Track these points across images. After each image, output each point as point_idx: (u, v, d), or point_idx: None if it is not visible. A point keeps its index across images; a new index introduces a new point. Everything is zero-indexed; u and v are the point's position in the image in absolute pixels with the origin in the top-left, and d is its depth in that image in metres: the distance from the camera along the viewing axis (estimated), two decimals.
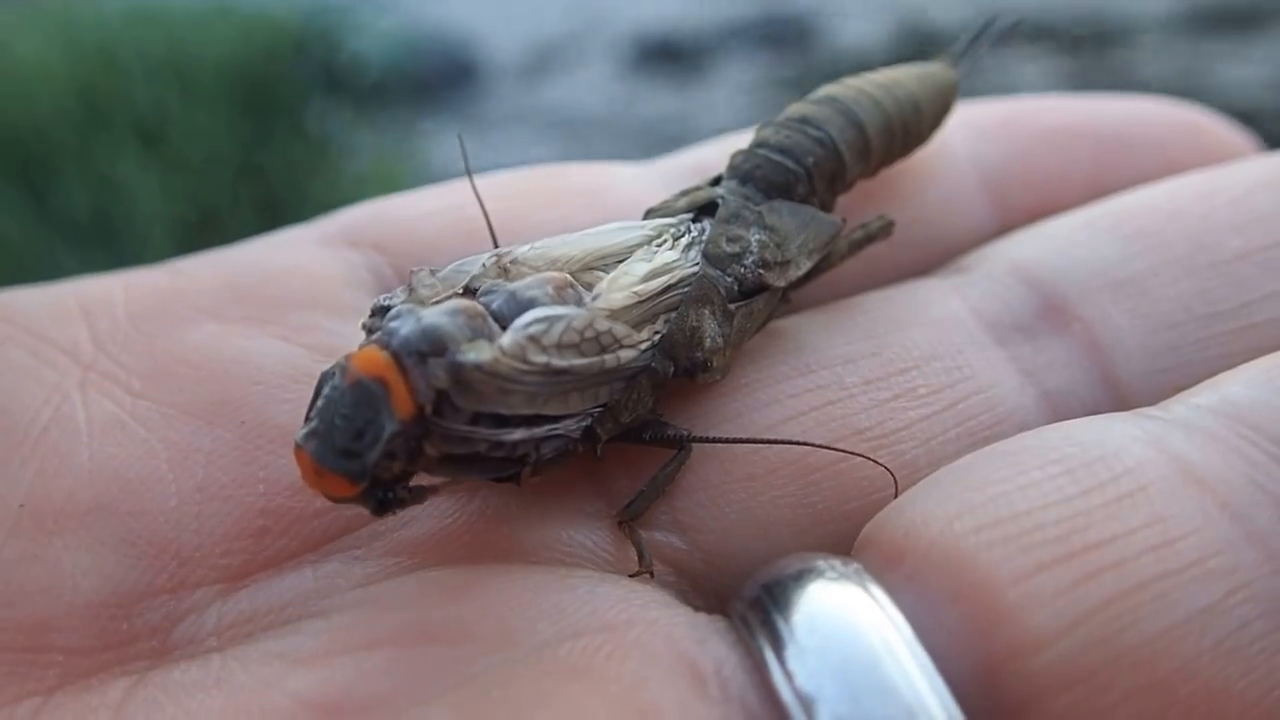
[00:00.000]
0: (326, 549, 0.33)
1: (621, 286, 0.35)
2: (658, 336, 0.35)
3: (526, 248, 0.36)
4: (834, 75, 0.45)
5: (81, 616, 0.31)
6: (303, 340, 0.37)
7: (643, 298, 0.35)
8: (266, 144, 2.07)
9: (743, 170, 0.40)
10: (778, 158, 0.40)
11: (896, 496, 0.32)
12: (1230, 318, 0.37)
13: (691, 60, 2.72)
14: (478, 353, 0.30)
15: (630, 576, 0.32)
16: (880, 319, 0.39)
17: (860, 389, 0.36)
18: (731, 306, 0.37)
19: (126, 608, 0.32)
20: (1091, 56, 2.48)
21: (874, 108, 0.42)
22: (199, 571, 0.33)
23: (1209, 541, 0.27)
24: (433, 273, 0.34)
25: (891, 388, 0.36)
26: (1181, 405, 0.31)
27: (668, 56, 2.75)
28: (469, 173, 0.41)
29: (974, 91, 0.48)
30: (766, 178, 0.40)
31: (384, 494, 0.30)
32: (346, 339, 0.36)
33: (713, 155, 0.45)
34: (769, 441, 0.34)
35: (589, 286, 0.35)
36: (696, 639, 0.28)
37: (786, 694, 0.26)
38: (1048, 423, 0.35)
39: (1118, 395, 0.37)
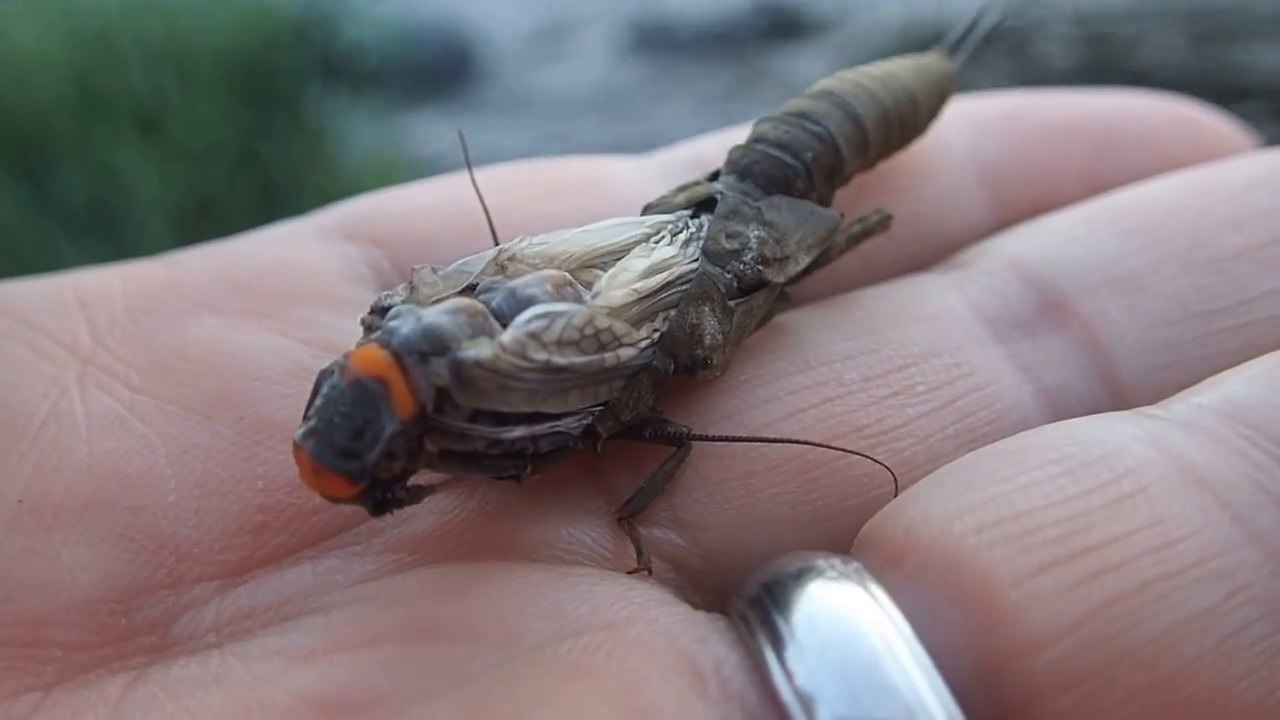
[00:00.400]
0: (326, 545, 0.33)
1: (621, 284, 0.35)
2: (657, 334, 0.35)
3: (525, 244, 0.36)
4: (834, 68, 0.45)
5: (80, 612, 0.31)
6: (301, 335, 0.37)
7: (642, 295, 0.35)
8: (265, 132, 2.07)
9: (741, 165, 0.40)
10: (776, 153, 0.40)
11: (896, 494, 0.33)
12: (1229, 315, 0.37)
13: (687, 47, 2.71)
14: (479, 349, 0.30)
15: (628, 573, 0.32)
16: (879, 315, 0.39)
17: (859, 386, 0.36)
18: (731, 303, 0.37)
19: (125, 603, 0.32)
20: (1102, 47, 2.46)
21: (871, 101, 0.42)
22: (198, 567, 0.33)
23: (1210, 542, 0.27)
24: (434, 271, 0.34)
25: (890, 385, 0.36)
26: (1182, 404, 0.31)
27: (664, 42, 2.74)
28: (469, 169, 0.40)
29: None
30: (765, 173, 0.40)
31: (382, 494, 0.30)
32: (345, 334, 0.36)
33: (710, 149, 0.45)
34: (769, 440, 0.34)
35: (587, 284, 0.35)
36: (696, 637, 0.28)
37: (786, 693, 0.26)
38: (1046, 420, 0.35)
39: (1116, 392, 0.37)
